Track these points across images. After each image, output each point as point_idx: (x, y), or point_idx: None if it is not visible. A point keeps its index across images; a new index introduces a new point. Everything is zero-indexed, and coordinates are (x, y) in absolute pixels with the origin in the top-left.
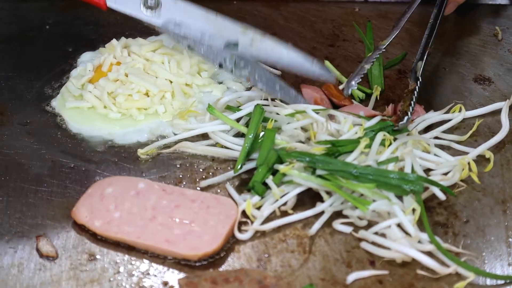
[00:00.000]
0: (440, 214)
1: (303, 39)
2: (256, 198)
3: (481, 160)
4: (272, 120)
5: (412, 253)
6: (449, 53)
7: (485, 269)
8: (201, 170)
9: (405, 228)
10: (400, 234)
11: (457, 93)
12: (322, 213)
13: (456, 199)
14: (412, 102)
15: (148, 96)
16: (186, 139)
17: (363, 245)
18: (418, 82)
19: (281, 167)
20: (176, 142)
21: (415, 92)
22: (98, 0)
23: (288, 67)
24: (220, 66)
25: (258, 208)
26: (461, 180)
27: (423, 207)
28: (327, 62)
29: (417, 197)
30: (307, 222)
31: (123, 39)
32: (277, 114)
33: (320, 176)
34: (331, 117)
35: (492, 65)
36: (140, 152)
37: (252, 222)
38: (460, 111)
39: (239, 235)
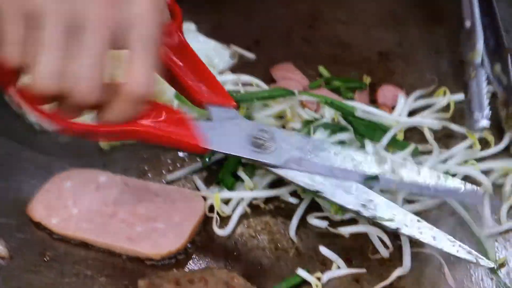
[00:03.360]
0: None
1: (279, 20)
2: (226, 192)
3: None
4: (244, 107)
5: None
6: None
7: None
8: (168, 161)
9: None
10: None
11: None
12: (296, 208)
13: None
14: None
15: None
16: None
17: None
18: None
19: None
20: None
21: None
22: (193, 145)
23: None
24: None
25: (227, 202)
26: None
27: None
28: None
29: None
30: (282, 219)
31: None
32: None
33: None
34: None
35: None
36: (103, 143)
37: (220, 217)
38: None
39: (218, 231)
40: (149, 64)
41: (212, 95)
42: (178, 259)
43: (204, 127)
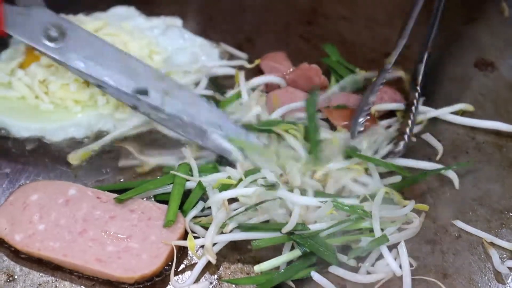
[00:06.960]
0: None
1: (276, 15)
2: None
3: None
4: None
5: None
6: (447, 32)
7: None
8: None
9: None
10: None
11: (454, 81)
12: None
13: None
14: (410, 121)
15: (88, 85)
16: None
17: (332, 269)
18: (417, 94)
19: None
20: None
21: (414, 108)
22: None
23: (206, 127)
24: (135, 108)
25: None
26: None
27: None
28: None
29: None
30: None
31: (61, 16)
32: None
33: None
34: None
35: (496, 47)
36: (71, 158)
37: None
38: None
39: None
40: None
41: None
42: (153, 284)
43: (8, 11)
